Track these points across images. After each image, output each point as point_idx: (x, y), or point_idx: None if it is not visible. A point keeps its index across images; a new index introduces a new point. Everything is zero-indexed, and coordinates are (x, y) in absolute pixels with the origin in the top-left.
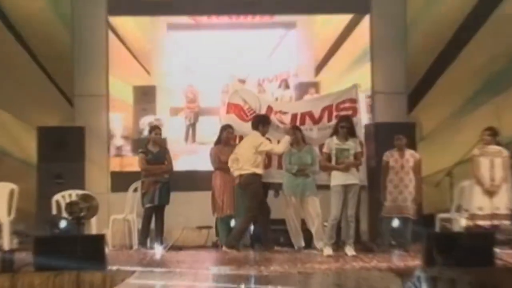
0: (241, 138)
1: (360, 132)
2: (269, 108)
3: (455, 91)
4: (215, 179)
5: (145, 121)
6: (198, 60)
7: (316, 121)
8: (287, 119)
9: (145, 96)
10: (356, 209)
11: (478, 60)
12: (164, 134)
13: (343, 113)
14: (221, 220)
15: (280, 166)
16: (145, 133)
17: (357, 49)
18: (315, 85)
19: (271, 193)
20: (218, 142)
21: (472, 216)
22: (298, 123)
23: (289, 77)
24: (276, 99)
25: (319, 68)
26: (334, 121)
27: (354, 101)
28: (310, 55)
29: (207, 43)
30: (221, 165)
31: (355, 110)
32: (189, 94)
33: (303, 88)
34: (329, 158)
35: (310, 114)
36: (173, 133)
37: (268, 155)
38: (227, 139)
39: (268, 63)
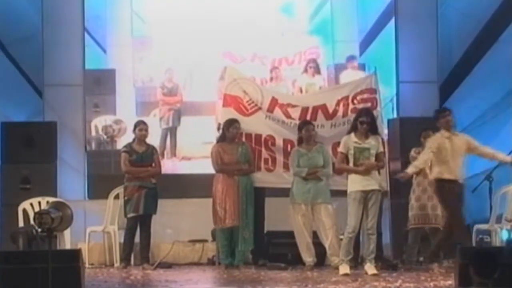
0: (246, 136)
1: (381, 128)
2: (273, 101)
3: (495, 81)
4: (216, 184)
5: (99, 124)
6: (180, 32)
7: (329, 116)
8: (296, 113)
9: (98, 86)
10: (378, 219)
11: None
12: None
13: (361, 105)
14: (222, 233)
15: (286, 169)
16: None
17: None
18: (359, 68)
19: (273, 201)
20: (221, 139)
21: None
22: (308, 118)
23: (319, 57)
24: (301, 90)
25: (364, 45)
26: (350, 116)
27: (373, 91)
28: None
29: (194, 7)
30: (224, 167)
31: (374, 102)
32: (167, 83)
33: (341, 71)
34: (346, 159)
35: (323, 108)
36: None
37: (272, 156)
38: (233, 136)
39: (288, 36)
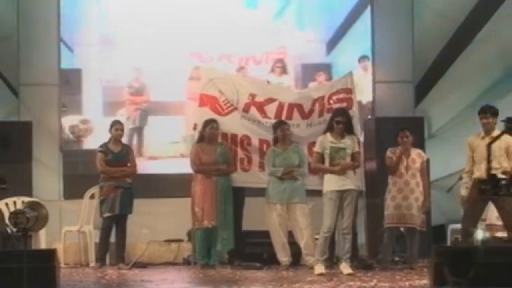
0: (222, 135)
1: (357, 128)
2: (250, 99)
3: (471, 80)
4: (194, 184)
5: (65, 123)
6: (148, 32)
7: (305, 116)
8: (272, 109)
9: (65, 85)
10: (353, 219)
11: (497, 44)
12: (95, 143)
13: (337, 105)
14: (200, 233)
15: (261, 168)
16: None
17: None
18: (327, 69)
19: (249, 200)
20: (200, 139)
21: (491, 227)
22: (284, 117)
23: (287, 57)
24: None
25: (331, 44)
26: (326, 116)
27: (349, 91)
28: (320, 26)
29: (162, 6)
30: (202, 167)
31: (350, 102)
32: (134, 83)
33: (309, 73)
34: (321, 159)
35: (299, 108)
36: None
37: (248, 156)
38: (210, 136)
39: (255, 35)
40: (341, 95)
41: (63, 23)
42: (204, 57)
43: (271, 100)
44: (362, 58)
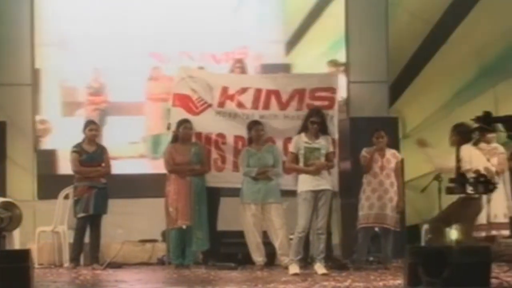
0: (196, 135)
1: (334, 128)
2: (224, 91)
3: (445, 81)
4: (168, 184)
5: None
6: (107, 32)
7: (283, 106)
8: (248, 98)
9: None
10: (328, 219)
11: (471, 45)
12: (53, 143)
13: (317, 103)
14: (174, 233)
15: (236, 168)
16: None
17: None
18: (286, 69)
19: (224, 200)
20: (174, 139)
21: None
22: (261, 106)
23: (247, 57)
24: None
25: (290, 45)
26: (304, 111)
27: (333, 90)
28: (280, 25)
29: (121, 6)
30: (176, 168)
31: (332, 102)
32: (93, 83)
33: (268, 73)
34: (296, 159)
35: (276, 94)
36: (68, 141)
37: (222, 155)
38: (184, 136)
39: (216, 34)
40: (324, 93)
41: None
42: (163, 57)
43: (244, 90)
44: (331, 62)
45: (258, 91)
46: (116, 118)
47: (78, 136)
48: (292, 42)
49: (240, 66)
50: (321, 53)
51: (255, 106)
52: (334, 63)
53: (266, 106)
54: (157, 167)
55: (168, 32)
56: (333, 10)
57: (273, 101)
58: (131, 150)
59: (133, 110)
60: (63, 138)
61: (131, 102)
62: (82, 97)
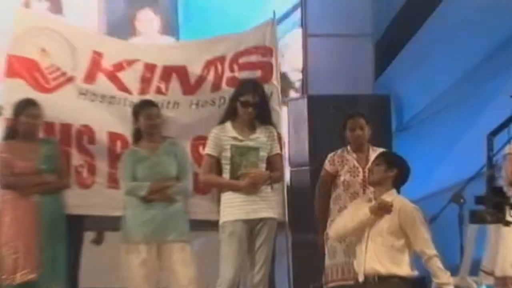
0: (49, 126)
1: (277, 114)
2: (95, 59)
3: (456, 41)
4: (1, 209)
5: None
6: None
7: (189, 89)
8: (133, 76)
9: None
10: (271, 268)
11: None
12: None
13: (244, 74)
14: None
15: (113, 183)
16: None
17: None
18: None
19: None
20: (10, 134)
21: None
22: (153, 90)
23: None
24: None
25: None
26: (224, 91)
27: (267, 51)
28: None
29: None
30: (14, 180)
31: (268, 70)
32: None
33: None
34: (217, 167)
35: (181, 72)
36: None
37: (89, 162)
38: (28, 128)
39: None
40: (253, 57)
41: None
42: None
43: (128, 63)
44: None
45: (151, 67)
46: None
47: None
48: None
49: None
50: None
51: (144, 89)
52: None
53: (163, 90)
54: None
55: None
56: None
57: (175, 82)
58: None
59: None
60: None
61: None
62: None
